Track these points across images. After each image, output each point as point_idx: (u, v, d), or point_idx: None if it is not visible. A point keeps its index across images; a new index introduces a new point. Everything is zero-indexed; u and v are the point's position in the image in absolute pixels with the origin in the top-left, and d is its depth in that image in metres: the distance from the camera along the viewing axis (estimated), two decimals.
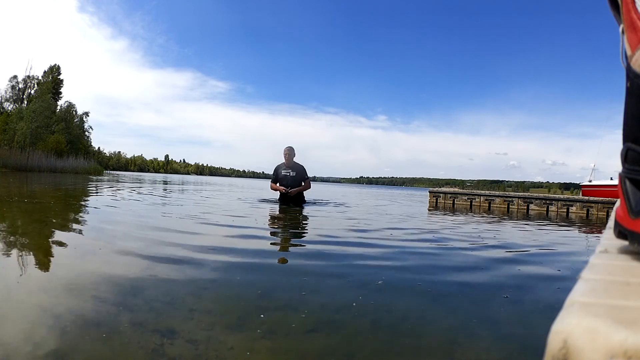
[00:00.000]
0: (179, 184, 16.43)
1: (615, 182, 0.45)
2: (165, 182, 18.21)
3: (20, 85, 34.88)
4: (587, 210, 9.20)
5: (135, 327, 1.10)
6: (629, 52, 0.39)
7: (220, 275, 1.77)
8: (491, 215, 7.14)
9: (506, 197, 10.36)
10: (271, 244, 2.74)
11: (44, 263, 1.80)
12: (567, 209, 9.50)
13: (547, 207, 9.73)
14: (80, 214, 3.89)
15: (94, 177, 19.81)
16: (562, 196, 11.60)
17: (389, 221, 4.78)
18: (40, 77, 35.56)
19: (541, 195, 11.19)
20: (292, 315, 1.28)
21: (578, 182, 21.97)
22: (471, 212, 8.16)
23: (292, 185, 5.94)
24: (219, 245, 2.52)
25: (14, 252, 1.98)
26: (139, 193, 7.65)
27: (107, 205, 4.87)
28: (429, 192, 11.67)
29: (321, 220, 4.34)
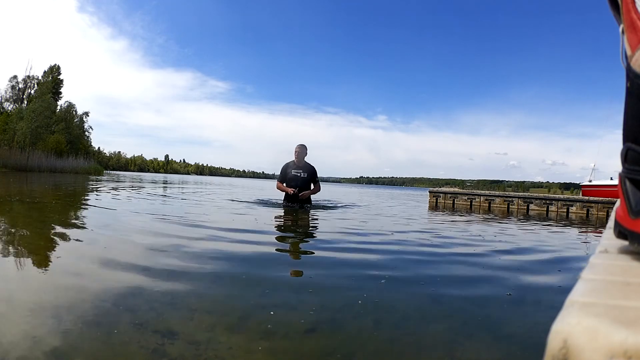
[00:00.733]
0: (178, 184, 16.43)
1: (615, 182, 0.45)
2: (165, 182, 18.21)
3: (20, 85, 34.89)
4: (587, 210, 9.20)
5: (136, 327, 1.10)
6: (629, 52, 0.39)
7: (221, 276, 1.77)
8: (491, 216, 7.14)
9: (506, 197, 10.36)
10: (271, 244, 2.74)
11: (44, 263, 1.80)
12: (567, 209, 9.50)
13: (547, 207, 9.73)
14: (80, 214, 3.89)
15: (94, 177, 19.82)
16: (562, 196, 11.60)
17: (389, 221, 4.78)
18: (40, 77, 35.56)
19: (541, 195, 11.19)
20: (292, 315, 1.28)
21: (578, 182, 21.98)
22: (471, 212, 8.15)
23: (301, 187, 5.40)
24: (219, 245, 2.52)
25: (14, 252, 1.98)
26: (139, 193, 7.65)
27: (107, 205, 4.87)
28: (429, 192, 11.67)
29: (322, 221, 4.34)
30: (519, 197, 10.22)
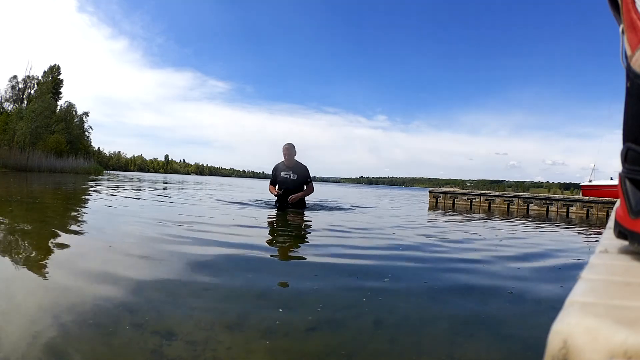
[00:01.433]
0: (178, 184, 16.43)
1: (615, 182, 0.45)
2: (165, 182, 18.21)
3: (20, 85, 34.90)
4: (587, 210, 9.20)
5: (135, 327, 1.10)
6: (629, 52, 0.39)
7: (221, 275, 1.77)
8: (491, 216, 7.15)
9: (506, 197, 10.36)
10: (271, 244, 2.74)
11: (43, 263, 1.80)
12: (567, 209, 9.50)
13: (547, 207, 9.74)
14: (80, 214, 3.89)
15: (94, 177, 19.81)
16: (562, 196, 11.60)
17: (389, 221, 4.78)
18: (40, 77, 35.58)
19: (541, 195, 11.20)
20: (292, 315, 1.28)
21: (578, 182, 21.99)
22: (471, 212, 8.16)
23: (292, 188, 5.09)
24: (219, 245, 2.52)
25: (14, 252, 1.98)
26: (139, 193, 7.65)
27: (107, 205, 4.87)
28: (429, 192, 11.68)
29: (322, 221, 4.34)
30: (519, 197, 10.22)
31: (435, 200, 11.13)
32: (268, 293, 1.53)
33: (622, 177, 0.41)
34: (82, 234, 2.64)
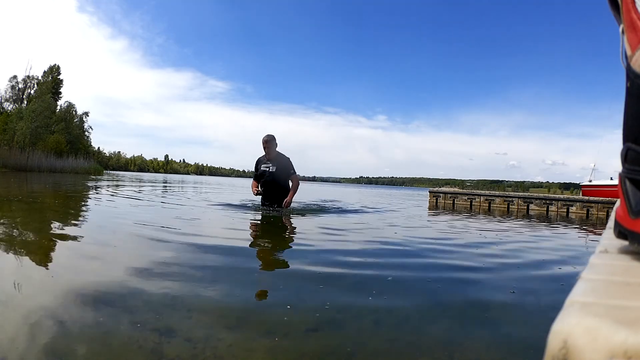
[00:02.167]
0: (178, 184, 16.43)
1: (615, 182, 0.45)
2: (165, 182, 18.21)
3: (20, 85, 34.89)
4: (587, 210, 9.20)
5: (135, 327, 1.10)
6: (629, 52, 0.39)
7: (220, 275, 1.77)
8: (491, 216, 7.14)
9: (506, 197, 10.36)
10: (271, 244, 2.74)
11: (43, 263, 1.80)
12: (567, 209, 9.50)
13: (547, 207, 9.74)
14: (80, 214, 3.89)
15: (94, 177, 19.81)
16: (562, 196, 11.61)
17: (389, 222, 4.78)
18: (40, 77, 35.56)
19: (541, 195, 11.20)
20: (293, 315, 1.28)
21: (578, 182, 21.98)
22: (471, 212, 8.16)
23: (271, 181, 4.71)
24: (219, 246, 2.52)
25: (14, 252, 1.98)
26: (139, 193, 7.65)
27: (106, 205, 4.87)
28: (429, 192, 11.68)
29: (320, 221, 4.33)
30: (519, 197, 10.22)
31: (435, 200, 11.13)
32: (268, 293, 1.53)
33: (622, 177, 0.41)
34: (81, 234, 2.64)
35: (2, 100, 34.08)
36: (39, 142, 29.81)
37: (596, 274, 0.30)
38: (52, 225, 2.91)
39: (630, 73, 0.38)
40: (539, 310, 1.51)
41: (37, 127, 30.20)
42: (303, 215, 4.74)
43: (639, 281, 0.28)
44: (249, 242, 2.78)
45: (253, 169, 4.91)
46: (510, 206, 10.13)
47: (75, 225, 3.03)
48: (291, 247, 2.64)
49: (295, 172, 4.83)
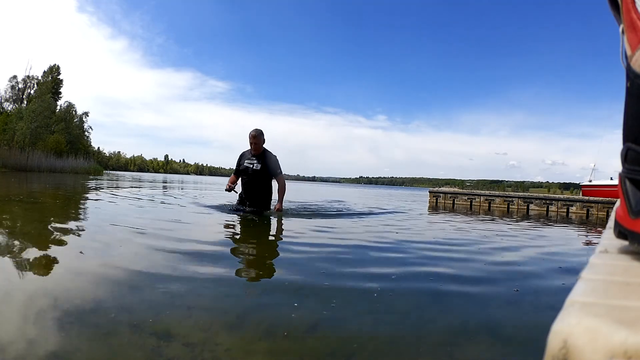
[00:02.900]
0: (178, 184, 16.42)
1: (615, 182, 0.45)
2: (164, 182, 18.21)
3: (20, 85, 34.87)
4: (587, 210, 9.20)
5: (134, 327, 1.10)
6: (629, 52, 0.39)
7: (220, 276, 1.77)
8: (491, 216, 7.15)
9: (506, 197, 10.36)
10: (271, 244, 2.74)
11: (43, 263, 1.80)
12: (567, 209, 9.50)
13: (547, 207, 9.74)
14: (80, 214, 3.89)
15: (94, 177, 19.81)
16: (562, 196, 11.61)
17: (390, 221, 4.78)
18: (39, 77, 35.54)
19: (541, 195, 11.21)
20: (292, 315, 1.28)
21: (578, 182, 21.98)
22: (471, 212, 8.16)
23: (254, 182, 4.35)
24: (218, 245, 2.52)
25: (14, 252, 1.98)
26: (138, 193, 7.65)
27: (106, 205, 4.87)
28: (429, 192, 11.68)
29: (318, 221, 4.33)
30: (519, 197, 10.22)
31: (435, 200, 11.13)
32: (267, 293, 1.53)
33: (622, 177, 0.41)
34: (81, 234, 2.64)
35: (2, 100, 34.06)
36: (39, 142, 29.79)
37: (596, 274, 0.30)
38: (51, 225, 2.91)
39: (630, 73, 0.38)
40: (538, 310, 1.51)
41: (37, 127, 30.19)
42: (297, 216, 4.74)
43: (639, 281, 0.28)
44: (249, 242, 2.78)
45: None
46: (510, 206, 10.13)
47: (75, 225, 3.02)
48: (290, 248, 2.64)
49: (282, 173, 4.47)
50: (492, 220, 6.08)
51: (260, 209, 4.34)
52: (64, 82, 37.73)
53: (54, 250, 2.08)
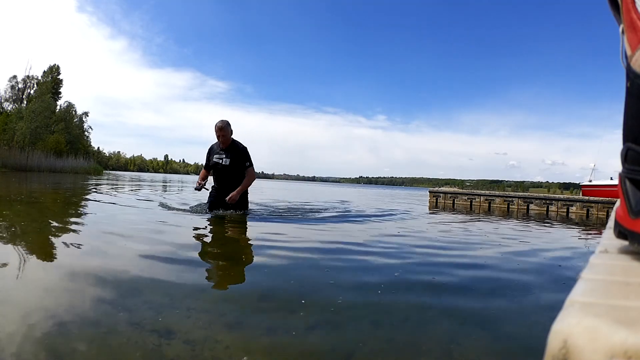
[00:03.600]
0: (178, 184, 16.42)
1: (615, 182, 0.45)
2: (164, 182, 18.21)
3: (20, 85, 34.86)
4: (587, 210, 9.20)
5: (134, 327, 1.10)
6: (629, 52, 0.39)
7: (220, 276, 1.77)
8: (491, 216, 7.15)
9: (506, 197, 10.37)
10: (270, 244, 2.74)
11: (43, 263, 1.80)
12: (567, 209, 9.50)
13: (547, 207, 9.74)
14: (79, 214, 3.89)
15: (94, 177, 19.81)
16: (562, 196, 11.61)
17: (389, 221, 4.78)
18: (39, 77, 35.53)
19: (541, 195, 11.21)
20: (291, 315, 1.28)
21: (578, 182, 21.99)
22: (471, 212, 8.16)
23: (225, 178, 4.07)
24: (218, 245, 2.52)
25: (14, 252, 1.98)
26: (138, 193, 7.65)
27: (106, 205, 4.87)
28: (429, 192, 11.69)
29: (317, 221, 4.33)
30: (519, 197, 10.23)
31: (435, 200, 11.13)
32: (267, 293, 1.53)
33: (622, 177, 0.41)
34: (81, 234, 2.64)
35: (2, 100, 34.05)
36: (39, 142, 29.80)
37: (596, 274, 0.30)
38: (51, 225, 2.91)
39: (630, 73, 0.38)
40: (538, 310, 1.51)
41: (37, 127, 30.19)
42: (297, 216, 4.73)
43: (639, 281, 0.28)
44: (248, 241, 2.78)
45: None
46: (510, 206, 10.13)
47: (75, 225, 3.02)
48: (290, 247, 2.64)
49: (252, 165, 4.17)
50: (492, 220, 6.08)
51: (236, 209, 4.10)
52: (63, 82, 37.78)
53: (53, 250, 2.08)
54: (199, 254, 2.23)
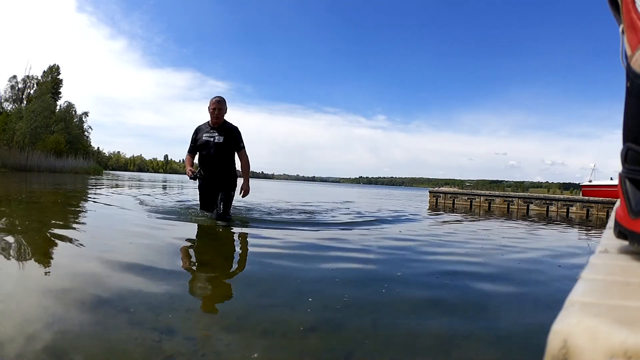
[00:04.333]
0: (178, 184, 16.42)
1: (615, 182, 0.45)
2: (164, 182, 18.21)
3: (20, 85, 34.84)
4: (587, 210, 9.21)
5: (134, 326, 1.10)
6: (629, 52, 0.39)
7: (220, 276, 1.77)
8: (491, 216, 7.15)
9: (506, 197, 10.37)
10: (270, 244, 2.74)
11: (43, 263, 1.80)
12: (567, 209, 9.50)
13: (547, 207, 9.74)
14: (79, 214, 3.89)
15: (93, 177, 19.81)
16: (562, 196, 11.61)
17: (390, 221, 4.78)
18: (39, 77, 35.52)
19: (541, 195, 11.22)
20: (292, 315, 1.28)
21: (578, 182, 21.99)
22: (471, 212, 8.16)
23: (217, 157, 3.61)
24: (218, 246, 2.52)
25: (14, 252, 1.98)
26: (138, 193, 7.65)
27: (106, 205, 4.87)
28: (429, 192, 11.69)
29: (315, 221, 4.33)
30: (519, 197, 10.23)
31: (435, 200, 11.13)
32: (267, 293, 1.53)
33: (622, 177, 0.41)
34: (81, 234, 2.64)
35: (2, 100, 34.04)
36: (39, 142, 29.78)
37: (596, 274, 0.30)
38: (51, 225, 2.91)
39: (630, 73, 0.38)
40: (538, 310, 1.51)
41: (37, 127, 30.17)
42: (297, 216, 4.73)
43: (639, 281, 0.28)
44: (248, 241, 2.78)
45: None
46: (510, 206, 10.13)
47: (75, 225, 3.02)
48: (290, 247, 2.64)
49: (244, 147, 3.76)
50: (492, 220, 6.08)
51: (227, 190, 3.65)
52: (63, 82, 37.76)
53: (53, 249, 2.08)
54: (200, 254, 2.23)
